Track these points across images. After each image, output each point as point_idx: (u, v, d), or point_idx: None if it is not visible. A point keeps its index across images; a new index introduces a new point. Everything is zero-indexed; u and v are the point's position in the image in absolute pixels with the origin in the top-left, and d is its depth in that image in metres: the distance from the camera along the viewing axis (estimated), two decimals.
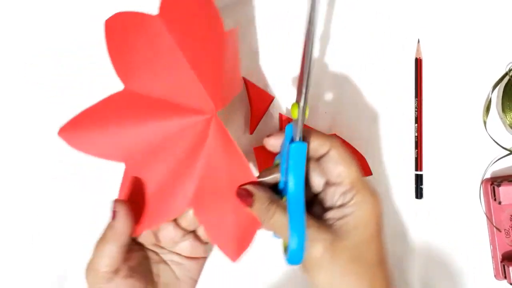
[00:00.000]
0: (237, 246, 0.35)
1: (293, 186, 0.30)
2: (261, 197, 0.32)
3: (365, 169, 0.43)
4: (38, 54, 0.47)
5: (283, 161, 0.33)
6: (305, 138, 0.32)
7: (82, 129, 0.35)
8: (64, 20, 0.47)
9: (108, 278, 0.34)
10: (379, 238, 0.31)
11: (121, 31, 0.35)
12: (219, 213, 0.35)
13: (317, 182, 0.34)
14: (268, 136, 0.35)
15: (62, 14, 0.47)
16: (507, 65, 0.46)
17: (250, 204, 0.32)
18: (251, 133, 0.47)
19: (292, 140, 0.32)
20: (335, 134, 0.44)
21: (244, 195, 0.33)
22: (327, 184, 0.33)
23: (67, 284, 0.47)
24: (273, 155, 0.46)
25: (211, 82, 0.35)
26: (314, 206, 0.34)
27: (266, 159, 0.46)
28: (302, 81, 0.30)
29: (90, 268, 0.34)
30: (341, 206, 0.31)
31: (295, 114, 0.31)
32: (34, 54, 0.47)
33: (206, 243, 0.39)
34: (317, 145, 0.32)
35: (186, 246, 0.38)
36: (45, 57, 0.47)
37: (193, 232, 0.39)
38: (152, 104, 0.35)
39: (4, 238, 0.47)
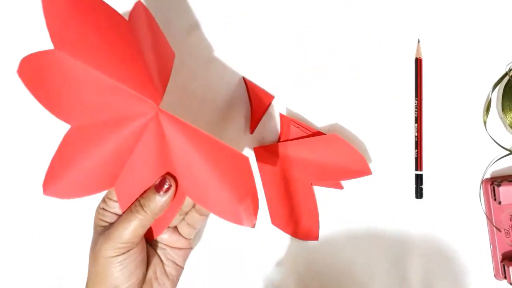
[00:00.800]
0: (247, 208, 0.35)
1: None
2: None
3: (364, 169, 0.43)
4: None
5: None
6: None
7: (60, 178, 0.35)
8: None
9: (127, 248, 0.35)
10: None
11: (37, 74, 0.35)
12: (212, 190, 0.36)
13: None
14: None
15: None
16: (507, 65, 0.46)
17: None
18: (251, 132, 0.47)
19: None
20: (334, 134, 0.44)
21: None
22: None
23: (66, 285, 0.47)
24: (272, 156, 0.46)
25: (138, 79, 0.34)
26: None
27: (266, 159, 0.46)
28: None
29: (109, 237, 0.35)
30: None
31: None
32: None
33: (189, 238, 0.41)
34: None
35: (167, 238, 0.40)
36: None
37: (175, 227, 0.41)
38: (101, 128, 0.35)
39: (3, 239, 0.47)
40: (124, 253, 0.35)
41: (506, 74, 0.46)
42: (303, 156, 0.44)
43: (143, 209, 0.36)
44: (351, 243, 0.46)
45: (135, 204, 0.36)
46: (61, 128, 0.47)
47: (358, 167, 0.44)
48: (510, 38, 0.46)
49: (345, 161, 0.44)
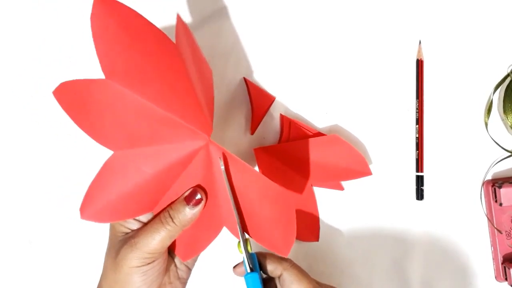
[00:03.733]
0: (285, 242, 0.37)
1: None
2: None
3: (364, 170, 0.43)
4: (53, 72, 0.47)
5: None
6: (261, 264, 0.38)
7: (99, 202, 0.35)
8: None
9: (153, 258, 0.35)
10: None
11: (77, 100, 0.34)
12: (263, 225, 0.37)
13: None
14: (233, 268, 0.39)
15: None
16: (509, 67, 0.46)
17: None
18: (252, 133, 0.47)
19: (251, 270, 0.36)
20: (335, 135, 0.44)
21: None
22: None
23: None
24: (272, 156, 0.46)
25: (190, 110, 0.34)
26: None
27: (266, 160, 0.46)
28: (237, 222, 0.36)
29: (136, 246, 0.34)
30: None
31: (240, 251, 0.36)
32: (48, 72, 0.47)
33: None
34: (271, 269, 0.37)
35: None
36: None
37: None
38: (147, 155, 0.35)
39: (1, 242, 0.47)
40: (149, 263, 0.35)
41: (508, 75, 0.46)
42: (303, 157, 0.44)
43: (172, 221, 0.35)
44: (351, 244, 0.46)
45: (164, 214, 0.36)
46: (61, 128, 0.47)
47: (359, 167, 0.43)
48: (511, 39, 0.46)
49: (346, 161, 0.44)
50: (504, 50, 0.46)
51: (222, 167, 0.35)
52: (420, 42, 0.46)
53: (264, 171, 0.46)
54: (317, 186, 0.46)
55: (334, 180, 0.45)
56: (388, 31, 0.46)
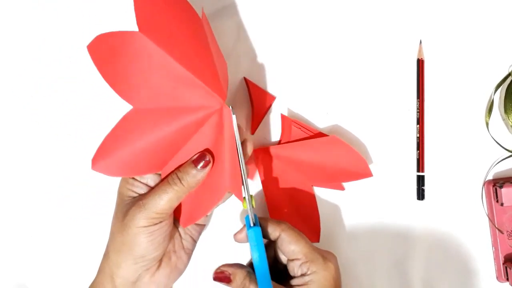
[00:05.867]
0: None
1: (258, 261, 0.37)
2: (237, 273, 0.37)
3: (364, 171, 0.43)
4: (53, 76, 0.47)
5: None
6: (261, 226, 0.38)
7: (111, 155, 0.36)
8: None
9: (160, 219, 0.36)
10: None
11: (108, 53, 0.35)
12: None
13: (282, 258, 0.40)
14: (234, 234, 0.40)
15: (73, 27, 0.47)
16: (510, 66, 0.46)
17: (229, 282, 0.38)
18: (253, 133, 0.47)
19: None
20: (334, 136, 0.43)
21: (223, 277, 0.38)
22: (288, 259, 0.39)
23: None
24: (271, 157, 0.45)
25: (209, 77, 0.36)
26: (285, 275, 0.39)
27: (266, 160, 0.46)
28: (242, 178, 0.37)
29: (144, 206, 0.36)
30: (302, 275, 0.37)
31: (244, 206, 0.37)
32: (48, 76, 0.47)
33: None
34: (270, 231, 0.39)
35: None
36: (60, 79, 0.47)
37: None
38: (164, 113, 0.36)
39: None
40: (156, 223, 0.36)
41: (509, 75, 0.46)
42: (303, 158, 0.44)
43: (180, 182, 0.36)
44: (352, 244, 0.46)
45: (172, 176, 0.37)
46: (61, 128, 0.47)
47: (359, 169, 0.43)
48: None
49: (345, 163, 0.44)
50: (505, 49, 0.46)
51: (235, 122, 0.36)
52: (420, 42, 0.46)
53: (264, 171, 0.46)
54: (318, 186, 0.46)
55: (334, 182, 0.45)
56: (388, 31, 0.46)
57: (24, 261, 0.47)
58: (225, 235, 0.44)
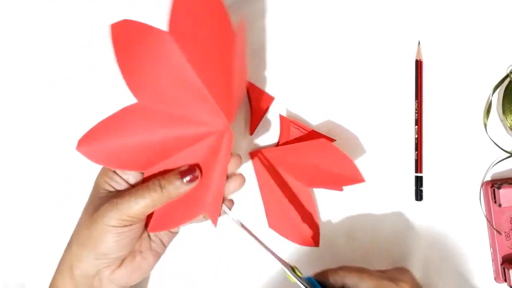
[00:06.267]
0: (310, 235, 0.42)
1: None
2: None
3: (355, 176, 0.41)
4: (55, 69, 0.47)
5: None
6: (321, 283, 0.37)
7: (100, 142, 0.35)
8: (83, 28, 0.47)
9: (131, 222, 0.35)
10: None
11: (129, 39, 0.35)
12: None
13: None
14: None
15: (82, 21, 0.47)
16: (508, 67, 0.46)
17: None
18: (251, 133, 0.47)
19: None
20: (324, 140, 0.41)
21: None
22: None
23: None
24: (267, 159, 0.45)
25: (222, 95, 0.35)
26: None
27: (261, 162, 0.46)
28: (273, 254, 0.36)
29: (117, 206, 0.34)
30: None
31: (291, 279, 0.36)
32: (49, 70, 0.48)
33: None
34: (333, 282, 0.37)
35: None
36: (60, 73, 0.47)
37: None
38: (166, 117, 0.36)
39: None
40: (126, 225, 0.35)
41: (507, 76, 0.46)
42: (296, 161, 0.44)
43: (161, 189, 0.35)
44: (350, 245, 0.46)
45: (154, 182, 0.35)
46: (61, 128, 0.47)
47: (350, 173, 0.41)
48: (511, 40, 0.46)
49: (336, 167, 0.41)
50: (503, 51, 0.46)
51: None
52: (419, 43, 0.46)
53: (260, 173, 0.46)
54: (315, 188, 0.46)
55: (329, 185, 0.43)
56: (387, 32, 0.46)
57: (24, 261, 0.47)
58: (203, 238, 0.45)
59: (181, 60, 0.34)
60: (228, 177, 0.38)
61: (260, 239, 0.37)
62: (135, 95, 0.36)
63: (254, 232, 0.37)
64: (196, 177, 0.36)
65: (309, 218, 0.46)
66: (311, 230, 0.46)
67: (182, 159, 0.37)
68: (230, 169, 0.38)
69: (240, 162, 0.39)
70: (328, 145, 0.41)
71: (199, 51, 0.35)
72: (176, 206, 0.37)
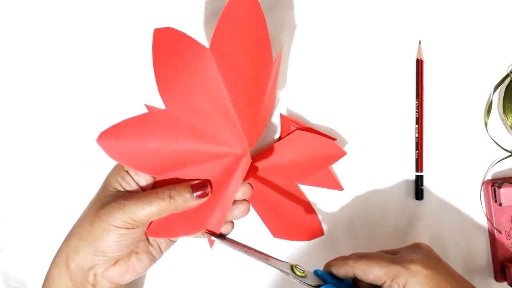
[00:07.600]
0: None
1: None
2: None
3: (337, 152, 0.42)
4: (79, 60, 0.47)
5: None
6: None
7: (121, 139, 0.35)
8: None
9: (134, 226, 0.35)
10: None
11: (170, 48, 0.34)
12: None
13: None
14: None
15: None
16: (509, 67, 0.46)
17: None
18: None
19: None
20: (298, 131, 0.43)
21: None
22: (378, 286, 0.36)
23: None
24: (249, 172, 0.45)
25: (248, 120, 0.36)
26: None
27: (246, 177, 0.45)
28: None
29: (123, 208, 0.34)
30: None
31: (298, 274, 0.36)
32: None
33: None
34: (343, 273, 0.38)
35: None
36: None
37: None
38: (189, 129, 0.36)
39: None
40: (129, 228, 0.35)
41: (507, 75, 0.46)
42: (277, 162, 0.43)
43: (169, 199, 0.35)
44: (351, 244, 0.46)
45: (164, 191, 0.36)
46: (61, 128, 0.47)
47: (331, 152, 0.42)
48: (511, 40, 0.46)
49: (317, 151, 0.43)
50: (504, 50, 0.46)
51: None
52: (420, 42, 0.46)
53: (248, 177, 0.45)
54: (306, 185, 0.46)
55: (315, 172, 0.44)
56: (388, 31, 0.46)
57: (24, 261, 0.47)
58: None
59: (216, 78, 0.34)
60: (233, 202, 0.38)
61: (255, 248, 0.37)
62: (165, 102, 0.36)
63: (250, 245, 0.38)
64: (207, 194, 0.36)
65: (305, 212, 0.46)
66: (311, 222, 0.46)
67: (195, 173, 0.37)
68: (238, 195, 0.38)
69: (250, 192, 0.39)
70: (304, 134, 0.42)
71: (235, 72, 0.35)
72: (178, 218, 0.37)
